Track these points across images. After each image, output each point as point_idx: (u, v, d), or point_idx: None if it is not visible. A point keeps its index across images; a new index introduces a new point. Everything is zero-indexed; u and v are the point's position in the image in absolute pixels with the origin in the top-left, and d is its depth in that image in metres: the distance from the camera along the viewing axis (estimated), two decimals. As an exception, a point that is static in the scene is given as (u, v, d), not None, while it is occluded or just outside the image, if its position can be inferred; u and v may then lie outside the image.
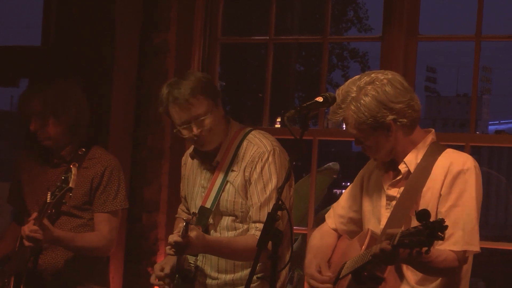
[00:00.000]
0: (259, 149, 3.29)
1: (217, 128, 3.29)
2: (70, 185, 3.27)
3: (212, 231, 3.38)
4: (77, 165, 3.47)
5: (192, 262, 3.38)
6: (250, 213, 3.28)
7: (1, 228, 4.38)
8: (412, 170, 2.82)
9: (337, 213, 3.13)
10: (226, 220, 3.35)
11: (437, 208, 2.75)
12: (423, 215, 2.33)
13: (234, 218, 3.34)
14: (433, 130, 2.94)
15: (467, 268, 2.83)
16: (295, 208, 3.58)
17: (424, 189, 2.77)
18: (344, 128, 2.89)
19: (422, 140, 2.86)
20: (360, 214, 3.04)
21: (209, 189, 3.37)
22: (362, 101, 2.75)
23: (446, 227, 2.30)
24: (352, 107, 2.77)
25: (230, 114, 3.53)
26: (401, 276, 2.77)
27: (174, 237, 3.09)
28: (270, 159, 3.26)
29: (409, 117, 2.79)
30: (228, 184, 3.32)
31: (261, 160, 3.27)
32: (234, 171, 3.32)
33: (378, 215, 2.90)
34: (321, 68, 4.69)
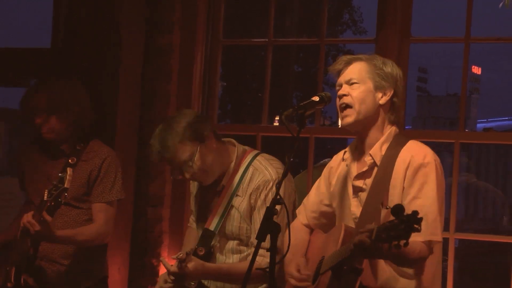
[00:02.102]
0: (264, 177, 3.30)
1: (211, 164, 3.31)
2: (66, 185, 3.35)
3: (218, 254, 3.42)
4: (74, 161, 3.61)
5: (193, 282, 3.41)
6: (251, 239, 3.31)
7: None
8: (378, 162, 2.86)
9: (309, 208, 3.17)
10: (231, 244, 3.39)
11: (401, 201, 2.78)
12: (397, 209, 2.36)
13: (239, 241, 3.38)
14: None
15: (438, 258, 2.90)
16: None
17: (391, 182, 2.82)
18: (340, 83, 2.94)
19: (388, 132, 2.92)
20: (331, 207, 3.08)
21: (214, 212, 3.39)
22: (387, 64, 2.92)
23: (421, 219, 2.32)
24: (376, 62, 2.91)
25: (230, 113, 3.58)
26: (376, 264, 2.83)
27: (172, 268, 3.16)
28: (274, 188, 3.26)
29: (398, 104, 2.93)
30: (234, 209, 3.35)
31: (266, 188, 3.28)
32: (239, 196, 3.34)
33: (348, 205, 2.94)
34: (318, 69, 4.71)
